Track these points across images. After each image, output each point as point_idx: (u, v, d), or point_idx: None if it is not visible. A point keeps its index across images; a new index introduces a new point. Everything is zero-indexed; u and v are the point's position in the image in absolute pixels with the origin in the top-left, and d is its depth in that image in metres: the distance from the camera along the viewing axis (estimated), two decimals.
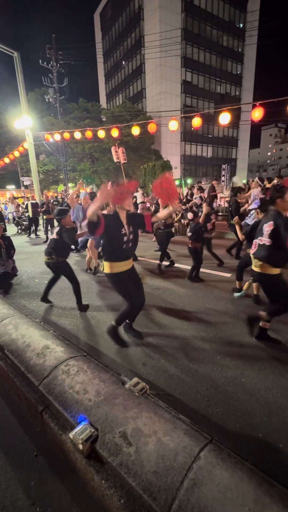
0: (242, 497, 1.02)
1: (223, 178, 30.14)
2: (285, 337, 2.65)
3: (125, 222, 2.38)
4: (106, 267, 2.43)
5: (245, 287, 3.60)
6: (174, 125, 8.86)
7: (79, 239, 4.21)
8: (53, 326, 2.96)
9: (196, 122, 8.61)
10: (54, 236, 3.25)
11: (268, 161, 74.09)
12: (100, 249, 4.83)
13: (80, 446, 1.28)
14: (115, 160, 11.67)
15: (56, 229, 3.27)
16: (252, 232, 2.65)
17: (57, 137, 12.01)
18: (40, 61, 20.14)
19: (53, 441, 1.53)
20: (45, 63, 20.32)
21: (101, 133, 10.80)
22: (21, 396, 1.81)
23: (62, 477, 1.39)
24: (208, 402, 1.89)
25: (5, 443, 1.63)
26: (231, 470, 1.12)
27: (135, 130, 10.06)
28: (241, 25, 38.65)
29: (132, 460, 1.19)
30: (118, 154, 11.45)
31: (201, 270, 4.50)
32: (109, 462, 1.22)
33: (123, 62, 39.94)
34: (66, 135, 11.85)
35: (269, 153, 75.35)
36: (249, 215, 4.76)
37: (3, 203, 17.22)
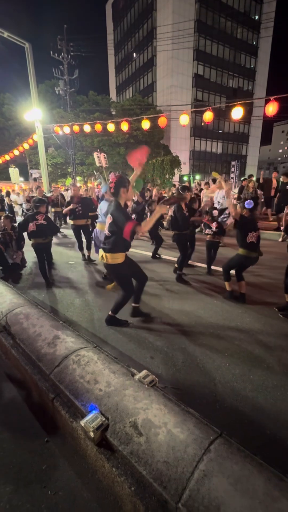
0: (252, 490, 1.03)
1: (232, 175, 29.74)
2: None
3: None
4: (110, 258, 2.57)
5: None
6: (185, 119, 8.72)
7: (98, 241, 3.97)
8: (62, 317, 3.00)
9: (208, 116, 8.46)
10: (43, 222, 3.97)
11: (279, 159, 72.53)
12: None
13: (91, 434, 1.30)
14: (98, 165, 11.76)
15: (41, 216, 3.98)
16: None
17: (67, 130, 12.00)
18: (51, 52, 20.02)
19: (63, 428, 1.57)
20: (56, 54, 20.20)
21: (111, 127, 10.73)
22: (33, 384, 1.86)
23: (72, 463, 1.43)
24: (215, 397, 1.90)
25: (17, 428, 1.67)
26: (241, 463, 1.13)
27: (145, 124, 9.96)
28: (257, 17, 37.57)
29: (143, 450, 1.21)
30: (100, 159, 11.52)
31: (213, 266, 4.49)
32: (120, 450, 1.24)
33: (134, 54, 39.40)
34: (76, 128, 11.83)
35: (280, 150, 73.77)
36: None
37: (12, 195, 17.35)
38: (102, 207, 3.94)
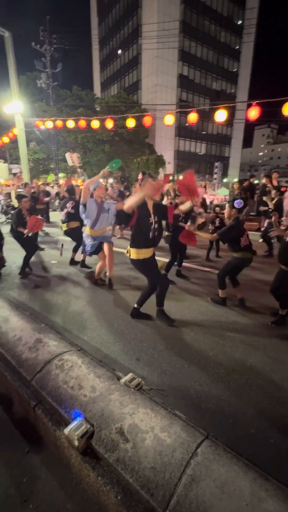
0: (239, 492, 1.04)
1: (215, 176, 30.36)
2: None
3: (152, 212, 2.59)
4: (133, 253, 2.64)
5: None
6: (170, 119, 8.75)
7: (90, 243, 3.54)
8: (44, 320, 2.89)
9: (192, 117, 8.54)
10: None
11: (260, 161, 75.08)
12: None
13: (76, 443, 1.26)
14: (70, 164, 11.70)
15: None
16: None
17: (49, 124, 11.62)
18: (33, 43, 19.30)
19: (46, 437, 1.50)
20: (38, 46, 19.49)
21: (95, 123, 10.53)
22: (13, 391, 1.77)
23: (55, 473, 1.37)
24: (201, 397, 1.91)
25: None
26: (228, 465, 1.13)
27: (130, 123, 9.88)
28: (239, 22, 38.48)
29: (129, 456, 1.18)
30: (73, 159, 11.45)
31: (197, 266, 4.54)
32: (106, 458, 1.21)
33: (119, 51, 39.01)
34: (59, 123, 11.48)
35: (261, 153, 76.32)
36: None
37: None
38: (89, 207, 3.37)
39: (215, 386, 2.03)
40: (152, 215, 2.58)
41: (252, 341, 2.62)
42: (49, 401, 1.53)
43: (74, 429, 1.31)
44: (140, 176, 2.86)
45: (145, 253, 2.64)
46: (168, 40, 30.53)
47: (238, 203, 3.09)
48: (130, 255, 2.70)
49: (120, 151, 25.21)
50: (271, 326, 2.88)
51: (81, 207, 3.38)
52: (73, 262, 4.87)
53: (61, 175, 22.65)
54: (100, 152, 23.85)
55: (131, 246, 2.67)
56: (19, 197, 4.33)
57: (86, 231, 3.61)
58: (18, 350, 1.94)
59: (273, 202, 5.84)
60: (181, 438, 1.23)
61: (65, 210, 4.60)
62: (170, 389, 1.98)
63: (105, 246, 3.74)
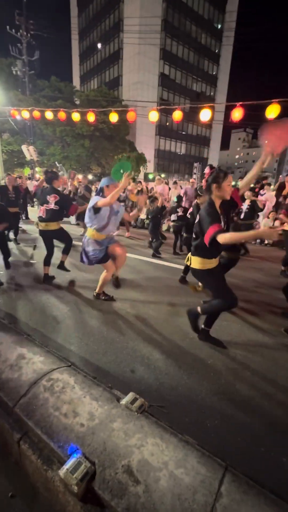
0: None
1: (194, 176, 30.78)
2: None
3: (221, 213, 2.13)
4: (197, 263, 2.27)
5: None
6: (154, 115, 8.57)
7: (96, 250, 2.98)
8: (25, 328, 2.59)
9: (177, 115, 8.43)
10: None
11: (236, 164, 77.77)
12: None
13: (75, 488, 1.04)
14: (28, 158, 11.37)
15: None
16: None
17: (26, 114, 10.91)
18: (7, 27, 18.09)
19: (34, 477, 1.26)
20: (13, 30, 18.30)
21: (76, 116, 10.04)
22: None
23: None
24: (204, 413, 1.77)
25: None
26: (257, 506, 0.98)
27: (113, 117, 9.56)
28: (219, 26, 39.28)
29: (142, 503, 0.99)
30: (30, 152, 11.13)
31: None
32: (113, 506, 1.00)
33: (100, 45, 38.05)
34: (36, 113, 10.79)
35: (237, 156, 79.07)
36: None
37: None
38: (103, 210, 2.89)
39: (218, 399, 1.89)
40: (221, 216, 2.11)
41: (249, 346, 2.53)
42: (37, 432, 1.28)
43: (71, 469, 1.08)
44: (207, 170, 2.37)
45: (212, 263, 2.27)
46: (150, 37, 30.31)
47: None
48: (191, 264, 2.33)
49: (100, 147, 24.60)
50: (269, 330, 2.83)
51: (91, 212, 2.87)
52: (62, 266, 4.11)
53: (37, 169, 21.59)
54: (79, 147, 23.07)
55: (193, 254, 2.29)
56: None
57: (89, 235, 2.99)
58: None
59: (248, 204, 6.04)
60: (200, 475, 1.06)
61: (46, 206, 3.60)
62: (171, 405, 1.81)
63: (115, 248, 3.13)
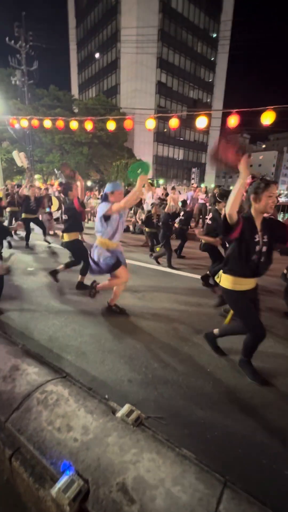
0: None
1: (192, 181, 30.97)
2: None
3: (260, 229, 1.91)
4: (226, 281, 2.03)
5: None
6: (151, 123, 8.68)
7: (107, 259, 2.82)
8: (20, 337, 2.54)
9: (174, 123, 8.53)
10: None
11: None
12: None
13: (67, 509, 0.99)
14: (19, 164, 11.48)
15: None
16: None
17: (25, 123, 11.03)
18: (7, 38, 18.43)
19: (26, 496, 1.21)
20: (12, 41, 18.64)
21: (74, 124, 10.15)
22: None
23: None
24: (204, 424, 1.72)
25: None
26: None
27: (111, 125, 9.67)
28: (214, 35, 40.12)
29: None
30: (21, 158, 11.27)
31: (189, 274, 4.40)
32: None
33: (98, 54, 38.78)
34: (35, 122, 10.92)
35: None
36: None
37: None
38: (100, 209, 2.77)
39: (218, 409, 1.84)
40: (260, 233, 1.90)
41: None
42: (29, 448, 1.24)
43: (64, 488, 1.04)
44: (249, 180, 2.03)
45: (244, 284, 1.99)
46: (147, 46, 30.94)
47: None
48: (220, 281, 2.11)
49: (99, 154, 24.85)
50: (269, 336, 2.77)
51: (101, 219, 2.74)
52: (82, 286, 3.80)
53: (37, 176, 21.74)
54: (78, 154, 23.30)
55: (224, 271, 2.05)
56: None
57: (100, 244, 2.85)
58: None
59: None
60: (198, 492, 1.02)
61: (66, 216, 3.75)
62: (170, 416, 1.76)
63: (123, 269, 2.94)
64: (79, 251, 3.70)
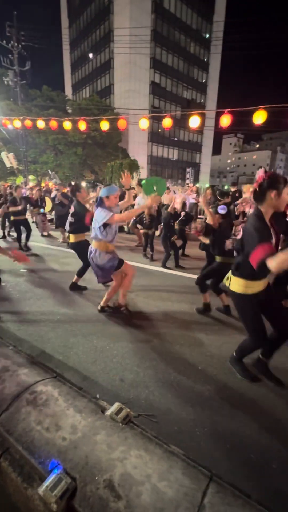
0: None
1: (187, 181, 31.08)
2: None
3: (270, 226, 1.80)
4: (237, 284, 1.92)
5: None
6: (144, 123, 8.70)
7: (109, 261, 2.82)
8: (12, 339, 2.54)
9: (167, 122, 8.57)
10: None
11: (228, 168, 79.04)
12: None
13: (54, 507, 1.00)
14: (8, 165, 11.47)
15: None
16: None
17: (17, 124, 10.96)
18: None
19: (15, 496, 1.21)
20: (4, 41, 18.49)
21: (67, 125, 10.12)
22: None
23: None
24: (194, 420, 1.74)
25: None
26: None
27: (104, 125, 9.66)
28: (207, 35, 40.34)
29: None
30: (10, 159, 11.29)
31: (181, 274, 4.42)
32: None
33: (91, 55, 38.69)
34: (28, 122, 10.85)
35: (228, 161, 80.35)
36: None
37: None
38: (98, 216, 2.72)
39: (208, 405, 1.86)
40: (272, 231, 1.79)
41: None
42: (18, 449, 1.24)
43: (51, 486, 1.05)
44: (261, 173, 1.92)
45: (256, 286, 1.90)
46: (140, 46, 30.95)
47: (221, 209, 3.02)
48: (230, 285, 2.00)
49: (93, 155, 24.79)
50: None
51: (100, 228, 2.73)
52: (75, 287, 3.83)
53: (31, 177, 21.58)
54: (72, 154, 23.21)
55: (234, 274, 1.95)
56: None
57: (101, 248, 2.83)
58: None
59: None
60: (184, 487, 1.03)
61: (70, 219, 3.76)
62: (160, 413, 1.78)
63: (124, 266, 2.96)
64: (85, 252, 3.66)
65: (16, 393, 1.49)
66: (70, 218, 3.68)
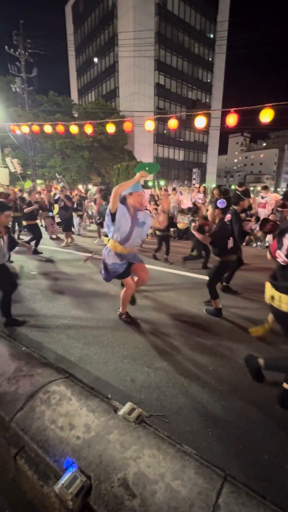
0: None
1: (194, 182, 30.94)
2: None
3: None
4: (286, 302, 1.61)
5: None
6: (150, 125, 8.73)
7: (116, 264, 2.68)
8: (24, 340, 2.59)
9: (173, 123, 8.58)
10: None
11: (235, 168, 78.28)
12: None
13: (70, 504, 1.02)
14: (12, 170, 11.59)
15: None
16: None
17: (25, 129, 11.19)
18: (6, 47, 18.73)
19: (31, 493, 1.24)
20: (11, 49, 18.94)
21: (74, 129, 10.27)
22: None
23: None
24: (206, 421, 1.73)
25: None
26: None
27: (110, 128, 9.76)
28: (211, 36, 40.22)
29: None
30: (14, 165, 11.43)
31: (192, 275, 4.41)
32: None
33: (96, 59, 39.14)
34: (35, 127, 11.06)
35: (235, 160, 79.59)
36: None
37: None
38: (120, 218, 2.56)
39: (220, 406, 1.86)
40: None
41: (251, 351, 2.49)
42: (33, 447, 1.27)
43: (67, 484, 1.07)
44: None
45: None
46: (144, 49, 31.13)
47: (220, 203, 3.00)
48: (281, 305, 1.64)
49: (100, 158, 25.02)
50: (269, 338, 2.78)
51: (108, 218, 2.58)
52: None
53: (38, 181, 21.97)
54: (79, 158, 23.48)
55: (282, 291, 1.62)
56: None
57: (110, 246, 2.69)
58: None
59: None
60: (197, 486, 1.04)
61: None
62: (172, 414, 1.78)
63: (138, 269, 2.83)
64: None
65: (30, 393, 1.53)
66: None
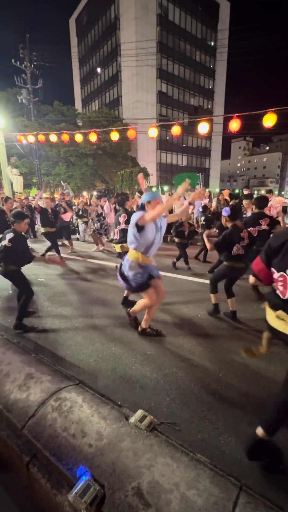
0: None
1: (197, 187, 30.94)
2: None
3: None
4: None
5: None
6: (153, 132, 8.84)
7: (138, 275, 2.59)
8: (33, 346, 2.60)
9: (176, 130, 8.68)
10: (7, 243, 2.79)
11: (238, 172, 78.36)
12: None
13: None
14: (15, 189, 11.83)
15: (10, 235, 2.83)
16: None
17: (31, 139, 11.45)
18: (12, 60, 19.33)
19: (44, 502, 1.23)
20: (17, 62, 19.53)
21: (79, 137, 10.46)
22: (0, 443, 1.48)
23: None
24: (218, 429, 1.71)
25: None
26: None
27: (114, 136, 9.91)
28: (212, 43, 40.89)
29: None
30: (19, 183, 11.71)
31: (195, 279, 4.40)
32: None
33: (99, 69, 40.07)
34: (41, 137, 11.31)
35: (238, 164, 79.74)
36: None
37: None
38: (148, 229, 2.50)
39: (231, 413, 1.83)
40: None
41: (263, 358, 2.46)
42: (46, 455, 1.26)
43: (80, 493, 1.06)
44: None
45: None
46: (146, 59, 31.78)
47: (225, 211, 3.04)
48: None
49: (104, 165, 25.33)
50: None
51: (134, 229, 2.49)
52: (127, 301, 3.58)
53: (31, 192, 22.28)
54: (83, 165, 23.82)
55: None
56: (17, 216, 2.93)
57: (132, 258, 2.58)
58: (6, 389, 1.66)
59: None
60: (213, 496, 1.02)
61: (119, 227, 3.64)
62: (183, 422, 1.76)
63: (158, 284, 2.72)
64: None
65: (41, 400, 1.53)
66: (123, 226, 3.55)
